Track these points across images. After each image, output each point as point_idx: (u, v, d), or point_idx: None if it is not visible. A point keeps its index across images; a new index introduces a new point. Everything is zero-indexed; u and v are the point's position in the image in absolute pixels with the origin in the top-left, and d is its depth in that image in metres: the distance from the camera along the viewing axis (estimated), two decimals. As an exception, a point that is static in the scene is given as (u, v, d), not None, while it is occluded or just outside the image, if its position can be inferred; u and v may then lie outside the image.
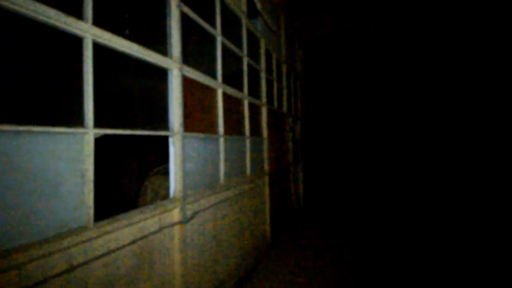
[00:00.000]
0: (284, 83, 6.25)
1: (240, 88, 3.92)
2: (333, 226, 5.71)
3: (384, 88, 14.25)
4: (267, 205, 4.72)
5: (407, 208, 6.98)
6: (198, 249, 2.64)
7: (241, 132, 3.86)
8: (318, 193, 9.26)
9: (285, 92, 6.24)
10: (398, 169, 12.68)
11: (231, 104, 3.60)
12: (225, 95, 3.36)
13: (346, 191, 9.66)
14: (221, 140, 3.22)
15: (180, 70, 2.43)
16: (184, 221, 2.39)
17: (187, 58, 2.75)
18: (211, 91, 3.10)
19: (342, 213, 6.72)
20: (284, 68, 6.24)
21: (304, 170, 7.99)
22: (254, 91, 4.51)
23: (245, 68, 4.05)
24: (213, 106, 3.14)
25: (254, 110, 4.42)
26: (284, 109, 6.20)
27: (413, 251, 4.35)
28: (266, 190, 4.71)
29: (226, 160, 3.30)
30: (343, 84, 14.48)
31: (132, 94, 2.59)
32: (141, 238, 1.99)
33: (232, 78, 3.96)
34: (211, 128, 3.06)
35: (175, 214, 2.33)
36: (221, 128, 3.23)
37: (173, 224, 2.29)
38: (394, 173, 12.37)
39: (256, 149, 4.41)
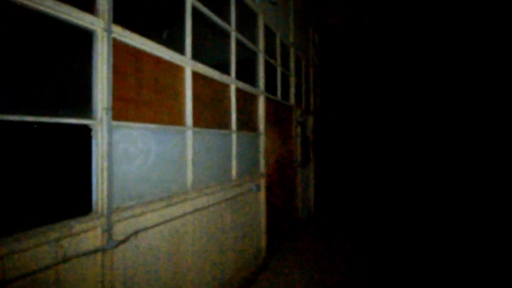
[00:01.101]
0: (292, 71, 5.39)
1: (225, 70, 3.16)
2: (347, 240, 4.81)
3: (404, 87, 12.95)
4: (263, 215, 3.93)
5: (440, 219, 5.89)
6: None
7: (225, 125, 3.10)
8: (332, 198, 8.30)
9: (292, 80, 5.38)
10: (420, 171, 11.38)
11: (210, 89, 2.84)
12: (197, 76, 2.61)
13: (364, 195, 8.60)
14: (189, 133, 2.48)
15: (108, 31, 1.71)
16: (109, 246, 1.68)
17: (137, 23, 2.03)
18: (175, 69, 2.36)
19: (358, 222, 5.77)
20: (292, 51, 5.37)
21: (316, 171, 7.08)
22: (248, 77, 3.72)
23: (233, 46, 3.27)
24: (178, 90, 2.40)
25: (247, 99, 3.63)
26: (291, 101, 5.34)
27: None
28: (262, 196, 3.92)
29: (196, 159, 2.56)
30: (364, 77, 13.22)
31: (44, 68, 1.90)
32: (23, 276, 1.30)
33: (216, 59, 3.21)
34: (173, 117, 2.32)
35: (93, 237, 1.62)
36: (189, 119, 2.48)
37: (87, 253, 1.58)
38: (416, 175, 11.07)
39: (248, 146, 3.63)
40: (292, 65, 5.39)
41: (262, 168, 3.95)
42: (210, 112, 2.83)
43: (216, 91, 2.95)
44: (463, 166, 10.82)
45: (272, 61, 4.46)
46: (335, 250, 4.37)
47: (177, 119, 2.37)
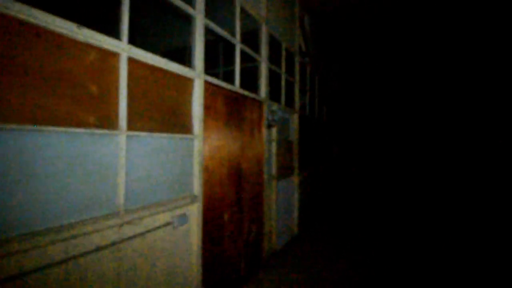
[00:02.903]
0: (265, 55, 4.08)
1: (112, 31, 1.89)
2: (335, 275, 3.45)
3: (402, 85, 12.01)
4: (195, 258, 2.62)
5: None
6: None
7: (104, 121, 1.82)
8: (323, 214, 6.90)
9: (264, 68, 4.07)
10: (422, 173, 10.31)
11: (61, 59, 1.57)
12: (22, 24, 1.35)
13: (363, 209, 7.17)
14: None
15: None
16: None
17: None
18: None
19: (352, 245, 4.40)
20: (263, 28, 4.07)
21: (303, 183, 5.72)
22: (173, 53, 2.44)
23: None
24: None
25: (163, 83, 2.35)
26: (262, 93, 4.03)
27: None
28: (194, 230, 2.61)
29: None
30: (364, 74, 11.85)
31: None
32: None
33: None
34: None
35: None
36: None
37: None
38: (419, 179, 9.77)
39: (168, 155, 2.34)
40: (264, 47, 4.08)
41: (197, 187, 2.65)
42: (62, 98, 1.55)
43: (84, 62, 1.67)
44: (463, 168, 10.47)
45: (226, 32, 3.17)
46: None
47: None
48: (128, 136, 1.98)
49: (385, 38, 9.20)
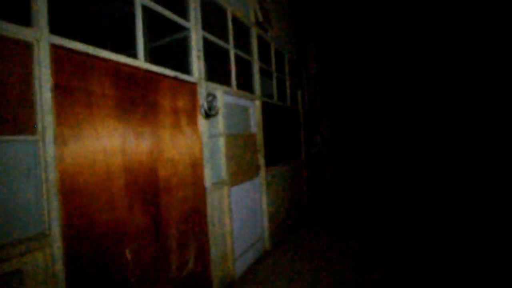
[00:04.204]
0: (194, 15, 3.01)
1: None
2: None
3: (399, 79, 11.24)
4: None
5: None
6: None
7: None
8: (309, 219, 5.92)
9: (194, 37, 3.00)
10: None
11: None
12: None
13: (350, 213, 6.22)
14: None
15: None
16: None
17: None
18: None
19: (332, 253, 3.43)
20: (191, -13, 2.99)
21: (273, 184, 4.71)
22: None
23: None
24: None
25: None
26: (195, 72, 2.97)
27: None
28: (48, 293, 1.57)
29: None
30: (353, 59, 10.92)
31: None
32: None
33: None
34: None
35: None
36: None
37: None
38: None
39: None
40: (193, 5, 3.01)
41: (50, 220, 1.60)
42: None
43: None
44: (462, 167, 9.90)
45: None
46: None
47: None
48: None
49: (372, 16, 8.30)
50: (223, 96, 3.43)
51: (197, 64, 2.99)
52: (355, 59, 11.23)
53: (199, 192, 2.89)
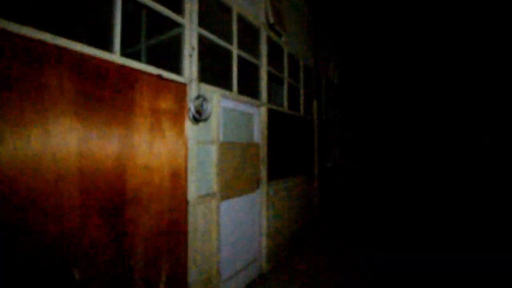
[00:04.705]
0: (190, 8, 2.76)
1: None
2: None
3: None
4: None
5: None
6: None
7: None
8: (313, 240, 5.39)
9: (188, 33, 2.74)
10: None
11: None
12: None
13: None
14: None
15: None
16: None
17: None
18: None
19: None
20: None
21: (277, 199, 4.29)
22: None
23: None
24: None
25: None
26: (186, 71, 2.69)
27: None
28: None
29: None
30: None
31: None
32: None
33: None
34: None
35: None
36: None
37: None
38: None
39: None
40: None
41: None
42: None
43: None
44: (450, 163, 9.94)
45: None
46: None
47: None
48: None
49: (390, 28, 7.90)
50: (220, 100, 3.13)
51: (189, 63, 2.72)
52: (373, 69, 10.68)
53: (178, 206, 2.57)
